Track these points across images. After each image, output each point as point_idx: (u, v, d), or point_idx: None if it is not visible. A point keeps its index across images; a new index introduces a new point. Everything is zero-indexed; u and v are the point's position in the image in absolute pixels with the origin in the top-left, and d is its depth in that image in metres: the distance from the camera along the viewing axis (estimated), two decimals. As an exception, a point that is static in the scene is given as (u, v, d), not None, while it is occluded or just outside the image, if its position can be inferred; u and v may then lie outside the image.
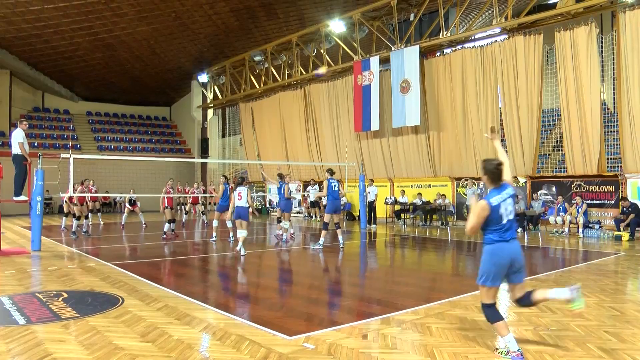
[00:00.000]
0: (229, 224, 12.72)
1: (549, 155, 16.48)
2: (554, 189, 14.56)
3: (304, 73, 22.29)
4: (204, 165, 29.26)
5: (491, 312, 4.03)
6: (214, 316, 5.48)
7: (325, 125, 21.61)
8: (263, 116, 25.31)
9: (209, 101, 29.09)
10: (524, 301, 4.21)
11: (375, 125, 18.55)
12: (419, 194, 17.20)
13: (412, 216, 17.68)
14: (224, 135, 30.73)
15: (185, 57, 26.36)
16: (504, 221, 3.99)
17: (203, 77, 28.20)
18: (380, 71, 18.69)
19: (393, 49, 18.09)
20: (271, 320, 5.26)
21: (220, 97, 28.05)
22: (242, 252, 9.45)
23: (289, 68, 23.27)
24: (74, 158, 11.73)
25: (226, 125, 29.78)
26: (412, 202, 17.54)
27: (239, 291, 7.06)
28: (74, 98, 30.27)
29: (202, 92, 29.34)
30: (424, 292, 6.97)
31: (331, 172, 11.09)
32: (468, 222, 3.99)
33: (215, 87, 28.56)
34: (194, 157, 29.59)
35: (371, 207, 16.98)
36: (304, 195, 21.84)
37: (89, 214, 14.56)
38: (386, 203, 18.04)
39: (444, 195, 16.56)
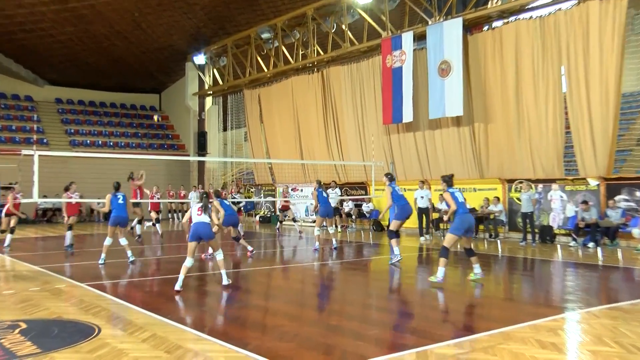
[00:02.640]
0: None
1: (631, 151, 16.13)
2: (637, 193, 14.18)
3: (322, 53, 22.28)
4: (201, 164, 29.47)
5: None
6: (211, 348, 5.45)
7: (347, 117, 21.56)
8: (272, 105, 25.36)
9: (207, 87, 29.30)
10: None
11: (408, 116, 18.43)
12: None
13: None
14: (225, 129, 30.92)
15: (178, 33, 26.56)
16: None
17: (200, 59, 28.43)
18: (415, 50, 18.58)
19: (430, 22, 17.96)
20: (282, 353, 5.21)
21: (220, 82, 28.23)
22: (225, 282, 8.73)
23: (304, 47, 23.31)
24: (39, 155, 11.76)
25: (228, 116, 29.97)
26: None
27: (243, 317, 7.03)
28: (38, 82, 30.18)
29: (199, 76, 29.58)
30: (468, 320, 6.86)
31: (319, 182, 13.92)
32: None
33: (215, 71, 28.75)
34: (189, 155, 29.80)
35: (425, 214, 16.76)
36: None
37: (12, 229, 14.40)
38: (420, 210, 17.85)
39: (496, 198, 16.35)
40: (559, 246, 14.36)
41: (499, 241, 15.71)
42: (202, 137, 29.57)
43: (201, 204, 8.73)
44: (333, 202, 20.11)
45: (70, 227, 13.74)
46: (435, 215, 17.82)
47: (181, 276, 8.41)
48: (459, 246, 10.64)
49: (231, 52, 26.53)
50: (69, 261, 12.08)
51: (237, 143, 30.70)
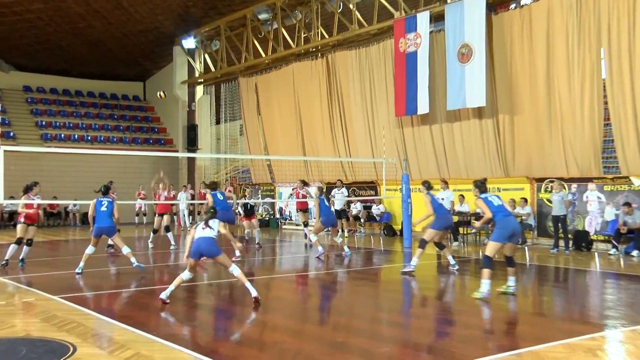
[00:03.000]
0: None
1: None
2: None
3: (326, 36, 22.23)
4: (191, 161, 29.45)
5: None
6: (202, 367, 5.42)
7: (355, 108, 21.51)
8: (271, 95, 25.33)
9: (197, 75, 29.29)
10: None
11: (423, 107, 18.36)
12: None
13: (474, 231, 17.41)
14: (218, 122, 30.86)
15: (165, 13, 26.47)
16: None
17: (189, 42, 28.41)
18: (431, 33, 18.50)
19: (449, 1, 17.89)
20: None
21: (212, 69, 28.20)
22: (254, 294, 8.33)
23: (306, 30, 23.27)
24: (5, 151, 11.73)
25: (221, 107, 29.92)
26: (474, 211, 17.29)
27: (238, 332, 7.01)
28: (2, 66, 29.96)
29: (189, 62, 29.58)
30: (492, 337, 6.82)
31: (321, 190, 14.43)
32: None
33: (207, 56, 28.73)
34: (177, 151, 29.81)
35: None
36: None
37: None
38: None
39: (523, 199, 16.27)
40: (596, 254, 14.24)
41: (526, 248, 15.61)
42: (192, 130, 29.55)
43: (205, 219, 8.49)
44: (339, 204, 20.10)
45: (19, 241, 12.27)
46: (454, 219, 17.73)
47: (171, 287, 8.29)
48: (481, 253, 10.55)
49: (224, 35, 26.50)
50: (40, 271, 12.06)
51: (231, 137, 30.63)
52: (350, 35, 21.04)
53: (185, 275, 8.35)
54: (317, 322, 7.73)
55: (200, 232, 8.36)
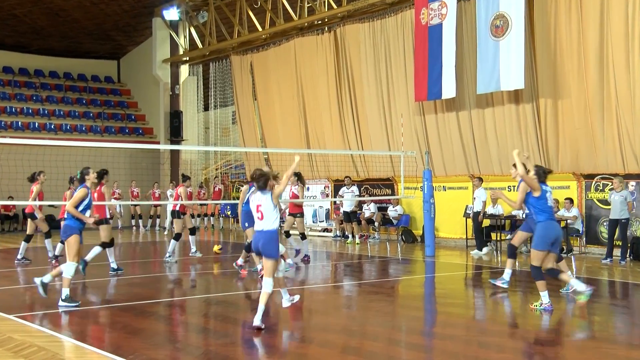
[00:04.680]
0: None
1: None
2: None
3: (334, 6, 22.18)
4: (175, 154, 29.45)
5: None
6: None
7: (368, 92, 21.49)
8: (269, 76, 25.32)
9: (181, 52, 29.30)
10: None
11: (449, 90, 18.29)
12: (523, 201, 16.89)
13: (509, 237, 17.37)
14: (206, 108, 30.90)
15: (142, -21, 26.55)
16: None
17: (172, 13, 28.33)
18: (459, 1, 18.45)
19: (480, -36, 17.84)
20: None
21: (200, 45, 28.20)
22: (286, 303, 8.83)
23: (310, -1, 23.26)
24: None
25: (210, 90, 29.94)
26: (509, 214, 17.25)
27: (229, 356, 7.01)
28: None
29: (171, 37, 29.58)
30: (533, 363, 6.80)
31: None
32: None
33: (192, 30, 28.70)
34: (159, 142, 29.85)
35: (477, 221, 16.66)
36: (335, 202, 21.74)
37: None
38: (467, 215, 17.81)
39: (568, 200, 16.20)
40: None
41: (573, 257, 15.56)
42: (175, 118, 29.55)
43: (255, 193, 8.22)
44: (349, 205, 20.08)
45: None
46: (486, 222, 17.73)
47: (261, 306, 7.94)
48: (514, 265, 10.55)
49: (214, 4, 26.49)
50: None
51: (222, 126, 30.71)
52: (363, 5, 20.96)
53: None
54: (322, 343, 7.69)
55: (258, 223, 8.22)
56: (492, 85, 17.26)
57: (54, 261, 14.15)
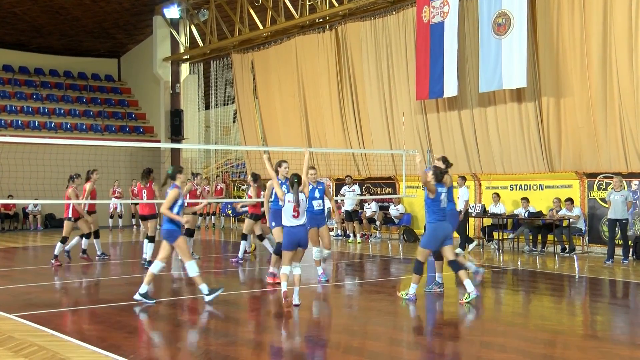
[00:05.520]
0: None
1: None
2: None
3: (336, 4, 22.16)
4: (175, 153, 29.47)
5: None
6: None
7: (369, 90, 21.47)
8: (270, 75, 25.31)
9: (182, 50, 29.27)
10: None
11: (451, 89, 18.27)
12: (525, 199, 16.96)
13: (512, 236, 17.35)
14: (207, 106, 30.86)
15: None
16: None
17: (172, 11, 28.31)
18: (461, 0, 18.43)
19: (482, -38, 17.82)
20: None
21: (201, 43, 28.15)
22: (297, 302, 9.35)
23: (312, -4, 23.23)
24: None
25: (211, 89, 29.92)
26: (511, 212, 17.23)
27: (230, 356, 7.00)
28: None
29: (172, 35, 29.56)
30: (535, 363, 6.77)
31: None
32: None
33: (193, 28, 28.67)
34: (159, 141, 29.83)
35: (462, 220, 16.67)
36: (336, 201, 21.71)
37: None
38: (469, 215, 17.80)
39: (569, 200, 16.20)
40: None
41: (575, 257, 15.58)
42: (176, 116, 29.54)
43: (292, 196, 9.42)
44: (350, 204, 20.07)
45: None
46: (487, 222, 17.73)
47: (296, 289, 9.35)
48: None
49: (214, 2, 26.47)
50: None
51: (223, 125, 30.67)
52: (364, 2, 20.92)
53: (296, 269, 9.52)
54: (323, 343, 7.70)
55: (292, 220, 9.42)
56: (494, 84, 17.25)
57: (53, 260, 14.11)
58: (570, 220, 16.01)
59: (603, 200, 15.86)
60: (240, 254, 14.68)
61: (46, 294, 10.74)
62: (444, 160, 11.37)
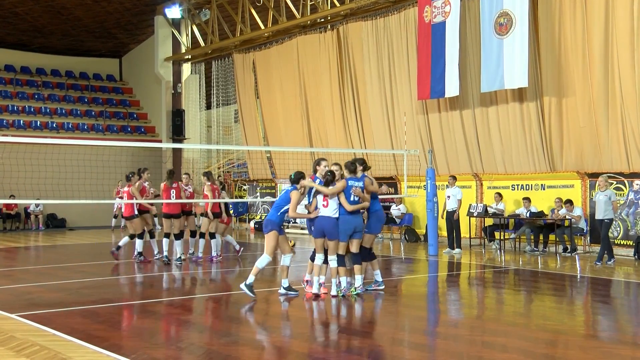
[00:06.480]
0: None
1: None
2: None
3: (337, 4, 22.17)
4: (177, 153, 29.48)
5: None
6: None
7: (371, 90, 21.48)
8: (271, 75, 25.32)
9: (184, 50, 29.29)
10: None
11: (452, 88, 18.28)
12: (526, 199, 16.96)
13: (513, 236, 17.36)
14: (209, 106, 30.86)
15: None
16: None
17: (174, 11, 28.37)
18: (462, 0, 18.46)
19: (483, -38, 17.81)
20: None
21: (202, 43, 28.19)
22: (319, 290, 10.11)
23: (313, -4, 23.24)
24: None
25: (212, 89, 29.92)
26: (513, 212, 17.24)
27: (230, 355, 7.00)
28: None
29: (173, 35, 29.59)
30: (537, 363, 6.76)
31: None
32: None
33: (195, 28, 28.69)
34: (161, 141, 29.82)
35: (452, 220, 16.72)
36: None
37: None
38: (471, 214, 17.80)
39: (568, 201, 16.20)
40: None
41: (577, 257, 15.57)
42: (177, 116, 29.58)
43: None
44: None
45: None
46: (489, 222, 17.72)
47: (322, 277, 10.05)
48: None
49: (216, 2, 26.48)
50: None
51: (224, 125, 30.66)
52: (366, 2, 20.96)
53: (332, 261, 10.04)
54: (324, 343, 7.71)
55: (323, 209, 9.98)
56: (496, 84, 17.26)
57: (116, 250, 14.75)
58: (573, 219, 16.01)
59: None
60: (215, 252, 15.06)
61: (48, 294, 10.75)
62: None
